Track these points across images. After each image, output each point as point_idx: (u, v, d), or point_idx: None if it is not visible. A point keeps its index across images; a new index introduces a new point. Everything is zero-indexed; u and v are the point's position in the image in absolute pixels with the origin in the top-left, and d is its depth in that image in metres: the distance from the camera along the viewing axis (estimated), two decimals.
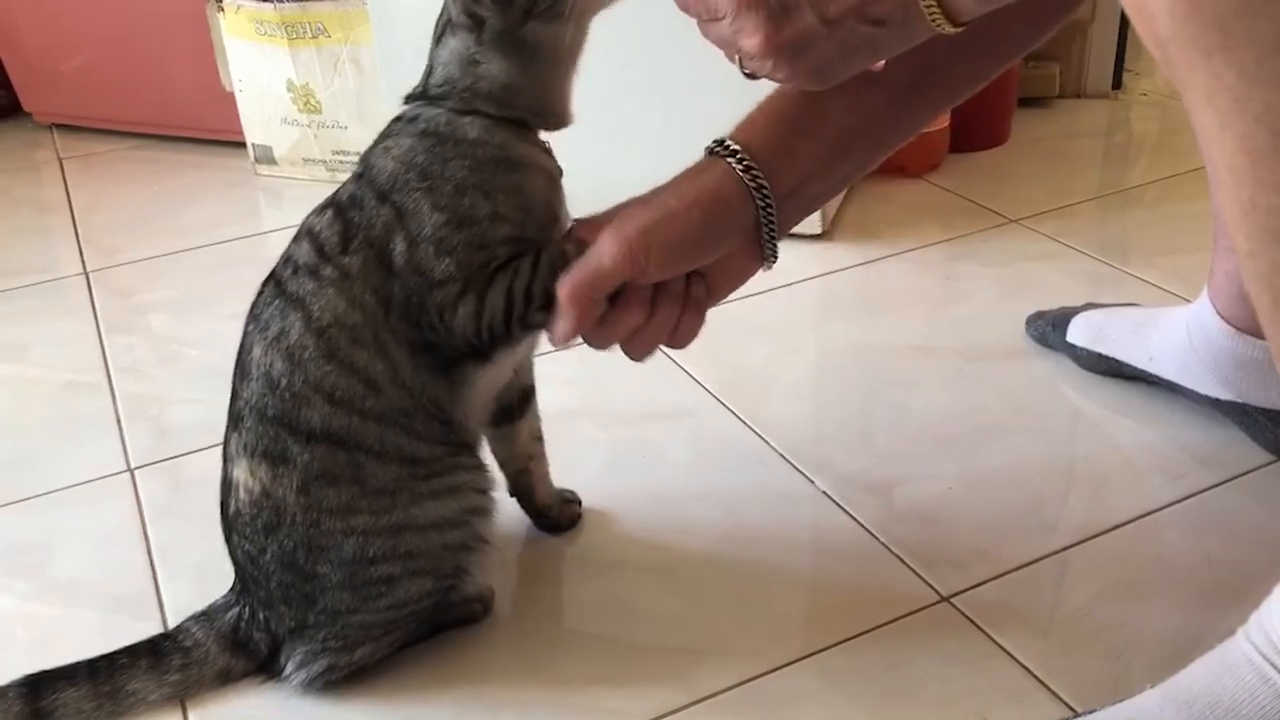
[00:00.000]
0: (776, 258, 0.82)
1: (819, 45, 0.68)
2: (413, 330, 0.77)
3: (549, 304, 0.77)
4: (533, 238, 0.79)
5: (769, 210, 0.79)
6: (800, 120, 0.79)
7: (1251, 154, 0.51)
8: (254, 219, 1.71)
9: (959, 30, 0.66)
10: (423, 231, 0.76)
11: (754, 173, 0.78)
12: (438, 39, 0.79)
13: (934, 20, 0.65)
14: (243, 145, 1.81)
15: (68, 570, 0.98)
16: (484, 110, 0.77)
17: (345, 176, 1.82)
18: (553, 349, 0.81)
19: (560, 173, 0.82)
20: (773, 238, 0.80)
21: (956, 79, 0.82)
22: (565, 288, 0.75)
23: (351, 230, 0.77)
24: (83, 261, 1.55)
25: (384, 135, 0.80)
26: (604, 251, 0.75)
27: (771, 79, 0.73)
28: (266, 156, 1.79)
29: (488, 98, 0.77)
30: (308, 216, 0.81)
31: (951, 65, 0.77)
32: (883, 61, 0.72)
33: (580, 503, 0.99)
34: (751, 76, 0.73)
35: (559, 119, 0.81)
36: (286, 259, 0.80)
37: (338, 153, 1.72)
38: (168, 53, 1.86)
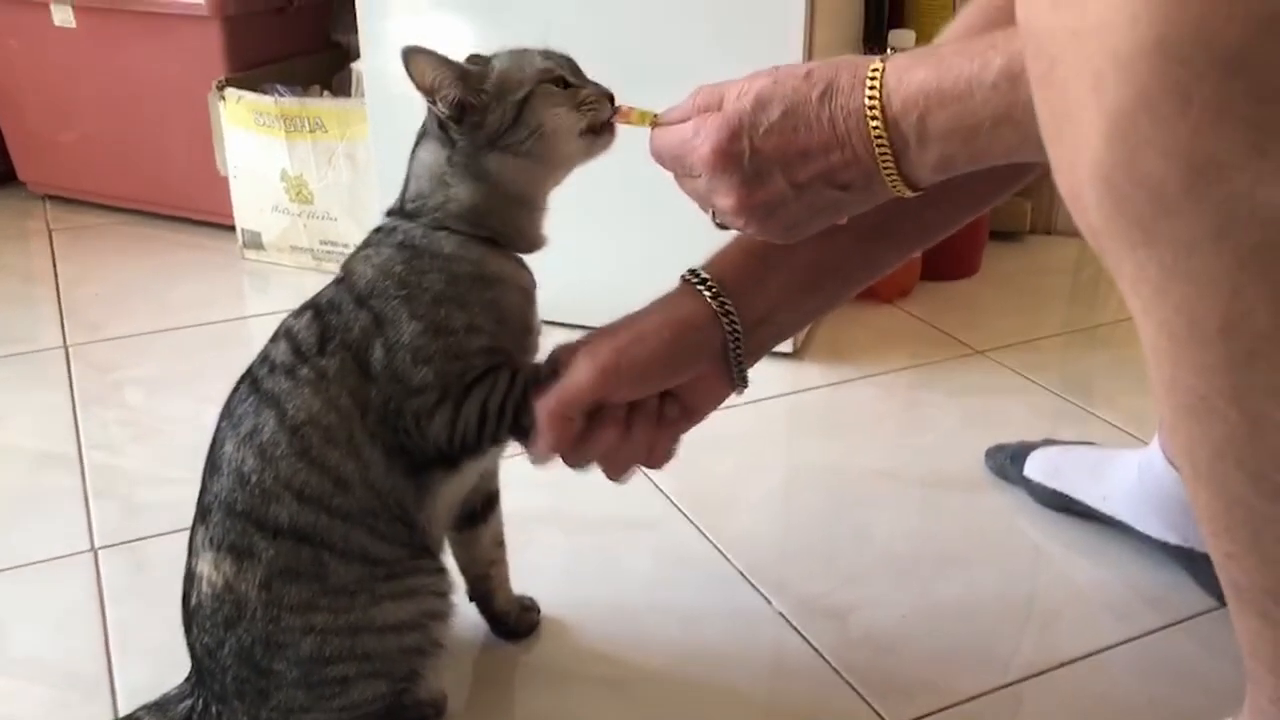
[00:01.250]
0: (747, 384, 0.85)
1: (789, 206, 0.72)
2: (389, 434, 0.79)
3: (520, 421, 0.79)
4: (507, 348, 0.82)
5: (737, 337, 0.82)
6: (770, 255, 0.82)
7: (1171, 338, 0.55)
8: (238, 302, 1.73)
9: (918, 194, 0.71)
10: (401, 339, 0.78)
11: (722, 299, 0.81)
12: (414, 146, 0.84)
13: (894, 186, 0.70)
14: (232, 229, 1.85)
15: (23, 647, 0.98)
16: (456, 228, 0.81)
17: (332, 266, 1.85)
18: (520, 454, 0.83)
19: (534, 286, 0.85)
20: (741, 363, 0.83)
21: (921, 224, 0.86)
22: (542, 406, 0.78)
23: (329, 332, 0.80)
24: (64, 334, 1.57)
25: (365, 244, 0.84)
26: (578, 370, 0.78)
27: (742, 232, 0.77)
28: (255, 242, 1.82)
29: (458, 218, 0.81)
30: (287, 318, 0.83)
31: (917, 212, 0.81)
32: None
33: (539, 610, 1.00)
34: (723, 227, 0.77)
35: (529, 244, 0.85)
36: (264, 358, 0.81)
37: (325, 243, 1.76)
38: (166, 134, 1.90)
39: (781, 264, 0.83)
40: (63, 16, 1.87)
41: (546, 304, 0.86)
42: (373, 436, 0.79)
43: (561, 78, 0.80)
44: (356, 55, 1.64)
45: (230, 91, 1.73)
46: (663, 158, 0.76)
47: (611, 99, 0.81)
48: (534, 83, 0.79)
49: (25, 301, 1.71)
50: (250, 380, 0.81)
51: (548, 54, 0.81)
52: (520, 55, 0.81)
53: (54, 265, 1.82)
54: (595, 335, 0.81)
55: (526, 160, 0.80)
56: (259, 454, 0.78)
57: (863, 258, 0.86)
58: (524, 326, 0.84)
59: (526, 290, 0.84)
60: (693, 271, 0.83)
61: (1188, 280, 0.52)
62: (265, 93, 1.72)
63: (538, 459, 0.81)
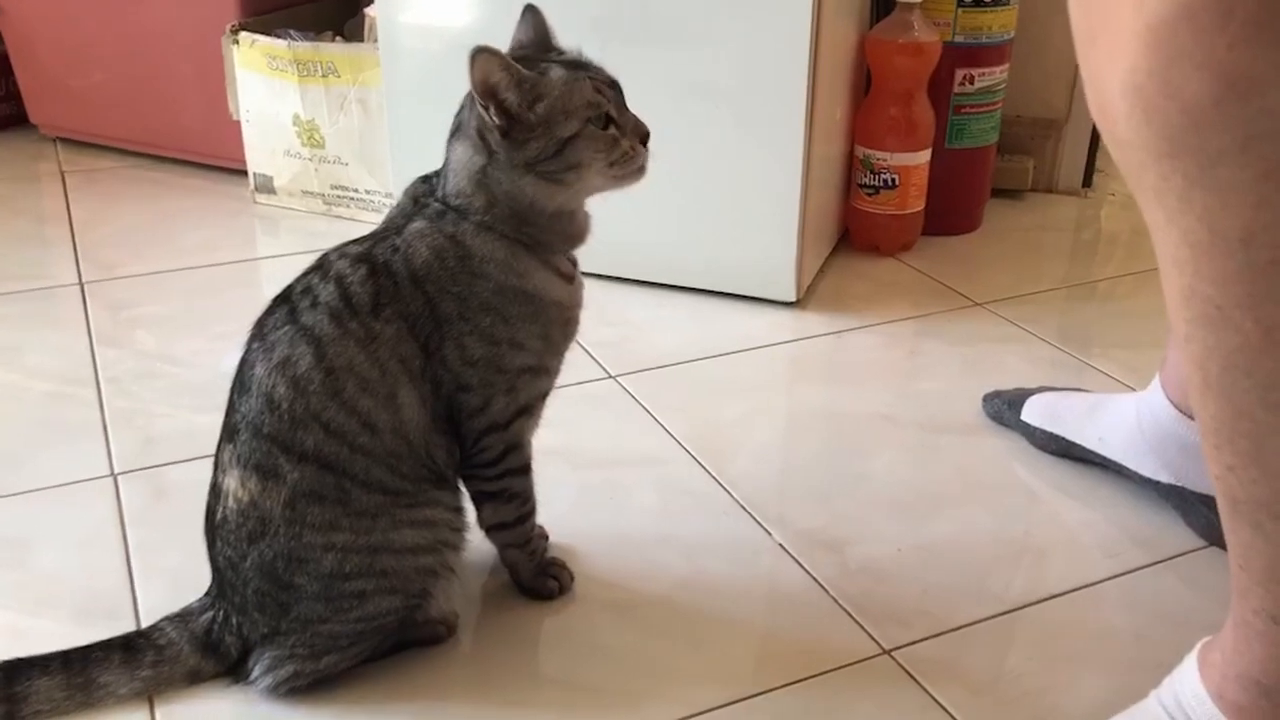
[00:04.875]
0: None
1: None
2: (442, 406, 0.85)
3: (482, 496, 0.91)
4: (551, 367, 0.88)
5: None
6: None
7: (1192, 247, 0.57)
8: (249, 245, 1.75)
9: None
10: (451, 331, 0.83)
11: None
12: (452, 132, 0.86)
13: None
14: (244, 173, 1.86)
15: (47, 566, 1.01)
16: (503, 231, 0.84)
17: (343, 210, 1.86)
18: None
19: (578, 301, 0.89)
20: None
21: None
22: None
23: (383, 297, 0.82)
24: (79, 273, 1.59)
25: (419, 215, 0.85)
26: None
27: None
28: (266, 186, 1.84)
29: (502, 220, 0.84)
30: (334, 259, 0.85)
31: None
32: None
33: (548, 538, 1.03)
34: None
35: (572, 240, 0.88)
36: (305, 290, 0.83)
37: (336, 187, 1.78)
38: (179, 77, 1.92)
39: None
40: None
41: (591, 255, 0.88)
42: (424, 402, 0.83)
43: (606, 113, 0.82)
44: (369, 1, 1.65)
45: (244, 35, 1.74)
46: None
47: (646, 137, 0.85)
48: (581, 122, 0.81)
49: (40, 241, 1.73)
50: (288, 308, 0.83)
51: (597, 84, 0.83)
52: (572, 84, 0.82)
53: (67, 207, 1.84)
54: None
55: (559, 186, 0.83)
56: (291, 384, 0.80)
57: None
58: (565, 339, 0.89)
59: (563, 305, 0.88)
60: None
61: (1212, 190, 0.54)
62: (278, 37, 1.73)
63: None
